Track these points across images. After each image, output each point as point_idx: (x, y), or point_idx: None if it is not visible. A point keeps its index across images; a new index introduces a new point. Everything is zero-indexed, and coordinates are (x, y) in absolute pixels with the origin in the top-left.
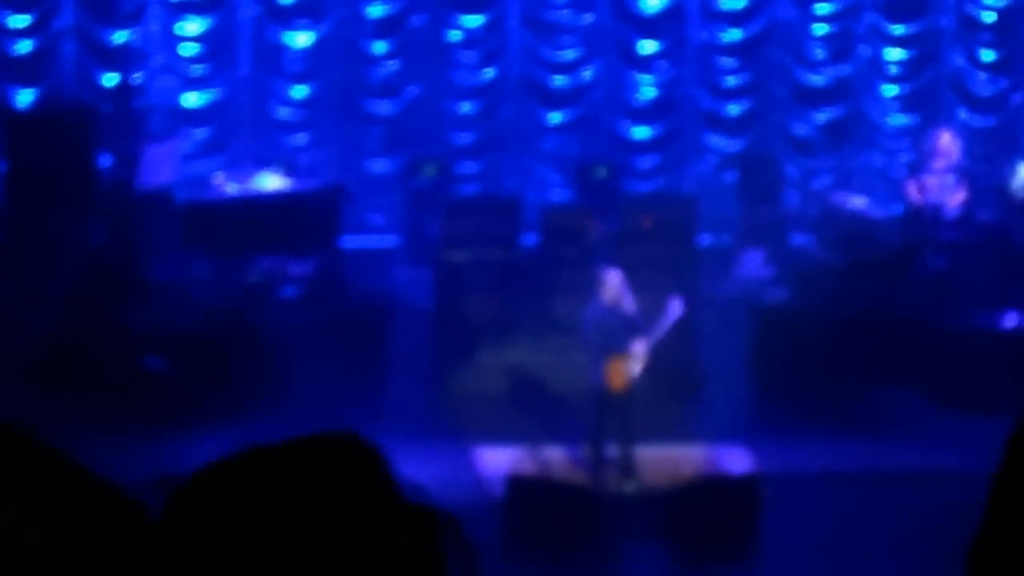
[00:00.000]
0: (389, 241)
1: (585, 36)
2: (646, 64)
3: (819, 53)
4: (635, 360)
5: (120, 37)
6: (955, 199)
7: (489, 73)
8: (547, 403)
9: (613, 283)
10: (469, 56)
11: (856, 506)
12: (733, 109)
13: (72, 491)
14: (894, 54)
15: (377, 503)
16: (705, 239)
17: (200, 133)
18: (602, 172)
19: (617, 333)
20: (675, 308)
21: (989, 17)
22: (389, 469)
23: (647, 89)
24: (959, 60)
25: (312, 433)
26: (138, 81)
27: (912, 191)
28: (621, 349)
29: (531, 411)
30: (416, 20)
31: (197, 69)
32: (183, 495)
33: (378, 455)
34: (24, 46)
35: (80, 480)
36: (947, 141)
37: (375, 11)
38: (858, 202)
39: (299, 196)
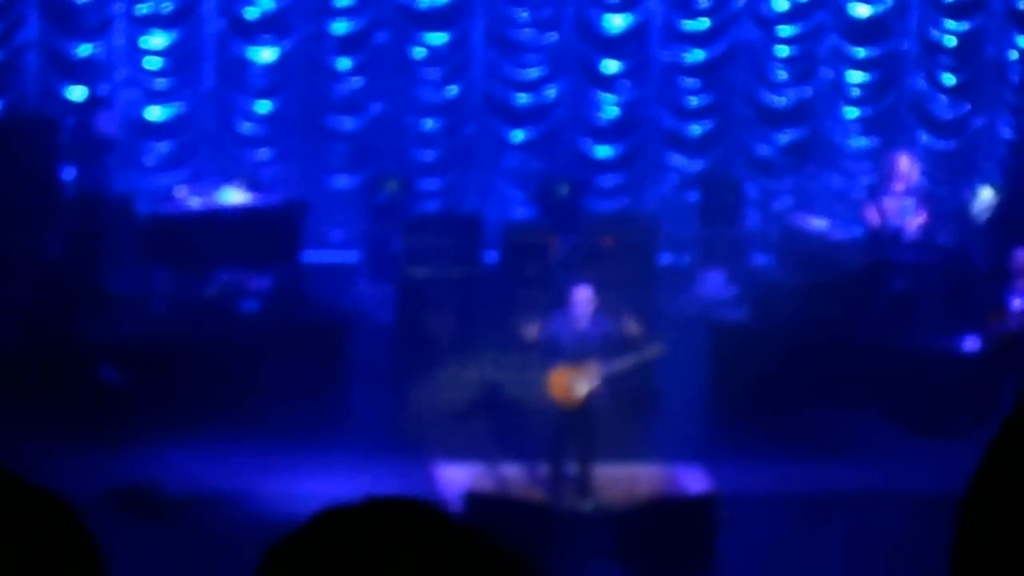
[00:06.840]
0: (350, 256)
1: (549, 55)
2: (609, 83)
3: (781, 75)
4: (583, 378)
5: (85, 50)
6: (915, 221)
7: (452, 90)
8: (506, 420)
9: (582, 299)
10: (433, 73)
11: (814, 527)
12: (695, 129)
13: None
14: (856, 77)
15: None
16: (666, 258)
17: (163, 147)
18: (564, 190)
19: (570, 348)
20: (653, 350)
21: (950, 41)
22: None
23: (610, 108)
24: (920, 83)
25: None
26: (103, 94)
27: (871, 213)
28: (569, 362)
29: (490, 428)
30: (380, 37)
31: (161, 83)
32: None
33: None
34: None
35: (8, 486)
36: (905, 163)
37: (339, 27)
38: (818, 223)
39: (260, 210)
